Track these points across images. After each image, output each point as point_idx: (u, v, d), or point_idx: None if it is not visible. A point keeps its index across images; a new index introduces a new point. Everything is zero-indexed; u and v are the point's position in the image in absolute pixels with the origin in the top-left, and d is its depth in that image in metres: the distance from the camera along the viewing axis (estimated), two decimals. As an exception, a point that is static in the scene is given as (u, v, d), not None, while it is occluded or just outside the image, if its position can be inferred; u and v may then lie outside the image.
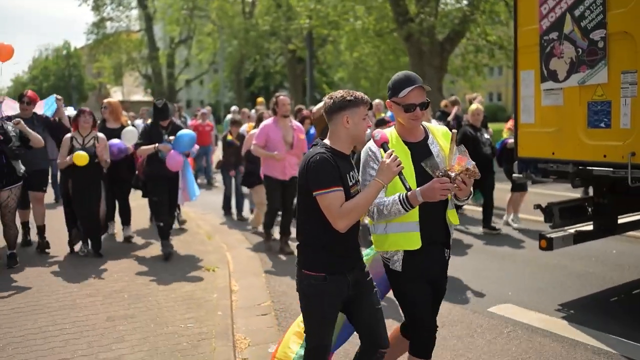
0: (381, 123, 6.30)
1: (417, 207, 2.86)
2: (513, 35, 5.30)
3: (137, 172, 7.26)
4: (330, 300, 2.84)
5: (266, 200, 7.41)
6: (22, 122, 6.18)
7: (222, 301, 5.14)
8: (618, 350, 4.10)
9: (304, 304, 2.90)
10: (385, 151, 2.81)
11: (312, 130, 8.18)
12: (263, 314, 5.01)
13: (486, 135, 8.12)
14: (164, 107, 6.64)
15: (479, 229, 8.18)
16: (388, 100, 3.07)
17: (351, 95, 2.81)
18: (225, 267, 6.35)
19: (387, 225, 2.96)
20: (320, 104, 6.23)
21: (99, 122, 7.29)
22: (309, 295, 2.86)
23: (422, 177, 2.85)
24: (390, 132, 3.06)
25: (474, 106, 8.14)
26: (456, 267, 5.98)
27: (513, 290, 5.54)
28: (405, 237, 2.94)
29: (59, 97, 7.69)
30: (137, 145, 6.79)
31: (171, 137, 6.57)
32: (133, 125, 8.35)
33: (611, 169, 4.44)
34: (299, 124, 7.52)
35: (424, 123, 3.15)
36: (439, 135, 3.11)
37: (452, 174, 2.78)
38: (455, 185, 2.76)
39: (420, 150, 2.97)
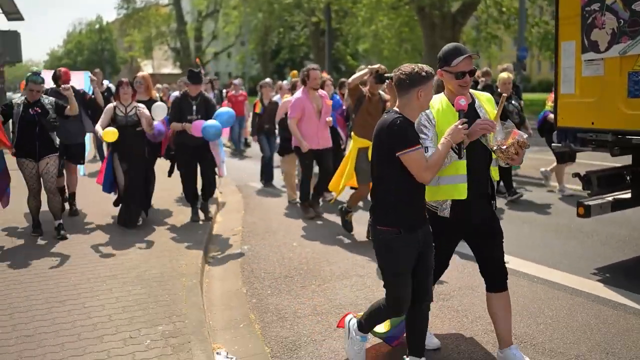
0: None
1: (465, 162, 3.27)
2: (554, 6, 5.38)
3: (168, 143, 7.56)
4: (405, 252, 3.15)
5: (300, 169, 7.91)
6: (70, 88, 6.50)
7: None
8: (653, 311, 4.29)
9: (380, 258, 3.24)
10: (459, 117, 3.17)
11: (337, 97, 8.72)
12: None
13: (514, 103, 8.26)
14: (197, 73, 6.93)
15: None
16: (439, 70, 3.37)
17: (424, 71, 3.10)
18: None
19: (439, 178, 3.32)
20: (357, 75, 6.47)
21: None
22: (384, 249, 3.19)
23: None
24: (440, 99, 3.40)
25: (503, 75, 8.25)
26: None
27: (552, 254, 5.74)
28: (454, 188, 3.33)
29: (93, 77, 8.10)
30: (169, 120, 7.06)
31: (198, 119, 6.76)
32: (165, 99, 8.51)
33: (651, 138, 4.57)
34: (323, 91, 7.83)
35: (473, 91, 3.49)
36: (484, 100, 3.47)
37: (504, 147, 3.16)
38: (509, 156, 3.16)
39: (468, 114, 3.25)
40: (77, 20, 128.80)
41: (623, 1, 4.66)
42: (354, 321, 3.59)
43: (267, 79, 11.95)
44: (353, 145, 6.58)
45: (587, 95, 5.09)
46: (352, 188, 6.87)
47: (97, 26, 70.37)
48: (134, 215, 6.87)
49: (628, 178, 5.50)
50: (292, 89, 8.59)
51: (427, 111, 3.30)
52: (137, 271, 5.22)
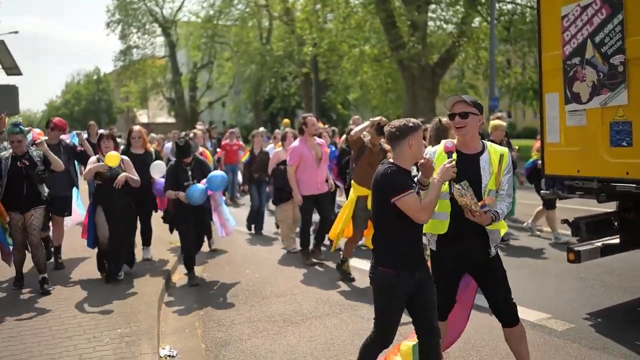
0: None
1: (449, 202, 3.58)
2: (537, 61, 5.65)
3: (166, 206, 7.49)
4: (400, 292, 3.38)
5: (298, 216, 8.13)
6: (44, 143, 6.54)
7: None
8: (645, 355, 4.36)
9: (377, 297, 3.47)
10: (448, 157, 3.51)
11: (332, 148, 8.98)
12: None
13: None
14: (185, 145, 6.83)
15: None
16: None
17: (411, 122, 3.42)
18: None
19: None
20: (358, 128, 6.76)
21: (122, 146, 7.65)
22: (381, 288, 3.42)
23: (461, 178, 3.50)
24: (441, 147, 3.72)
25: (494, 122, 8.47)
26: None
27: (543, 299, 5.81)
28: (437, 223, 3.64)
29: (78, 132, 8.28)
30: (165, 188, 6.92)
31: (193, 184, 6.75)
32: (159, 149, 8.46)
33: (634, 185, 4.74)
34: (320, 139, 8.05)
35: (489, 143, 3.76)
36: (494, 153, 3.67)
37: (473, 207, 3.44)
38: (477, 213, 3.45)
39: (467, 161, 3.59)
40: (75, 71, 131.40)
41: (601, 56, 4.92)
42: None
43: (261, 129, 12.24)
44: (353, 193, 6.82)
45: (572, 144, 5.29)
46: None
47: (94, 77, 71.70)
48: (114, 270, 6.69)
49: (615, 224, 5.64)
50: (282, 139, 8.82)
51: (431, 152, 3.71)
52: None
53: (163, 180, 7.07)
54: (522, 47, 22.95)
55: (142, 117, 57.05)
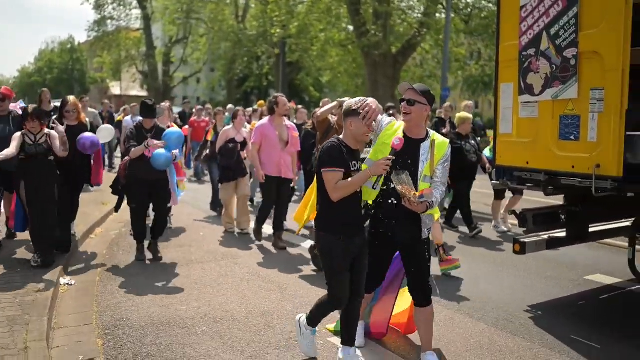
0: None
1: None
2: (495, 50, 5.61)
3: (118, 174, 6.90)
4: (341, 256, 3.66)
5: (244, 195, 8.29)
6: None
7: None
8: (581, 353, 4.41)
9: (322, 260, 3.78)
10: (390, 154, 3.63)
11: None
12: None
13: (472, 142, 8.37)
14: (152, 106, 6.68)
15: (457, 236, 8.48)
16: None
17: (356, 106, 3.64)
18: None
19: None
20: (325, 108, 6.55)
21: (52, 120, 6.95)
22: (323, 252, 3.74)
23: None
24: (401, 123, 3.93)
25: (459, 115, 8.46)
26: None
27: (485, 290, 5.84)
28: (369, 192, 3.81)
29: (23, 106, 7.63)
30: (127, 149, 6.66)
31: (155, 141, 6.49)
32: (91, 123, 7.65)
33: (578, 179, 4.75)
34: (291, 123, 7.89)
35: (433, 132, 3.93)
36: (437, 144, 3.83)
37: (408, 194, 3.57)
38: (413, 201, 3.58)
39: (410, 145, 3.74)
40: (50, 38, 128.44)
41: (555, 48, 4.89)
42: (303, 317, 4.06)
43: (230, 106, 12.00)
44: (318, 176, 6.53)
45: (523, 135, 5.28)
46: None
47: (68, 46, 70.00)
48: (47, 254, 6.08)
49: (562, 217, 5.68)
50: (233, 117, 8.66)
51: (385, 120, 3.92)
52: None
53: (90, 135, 6.69)
54: (477, 41, 23.94)
55: (115, 89, 55.95)
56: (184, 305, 5.29)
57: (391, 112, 9.01)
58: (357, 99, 3.74)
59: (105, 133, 7.02)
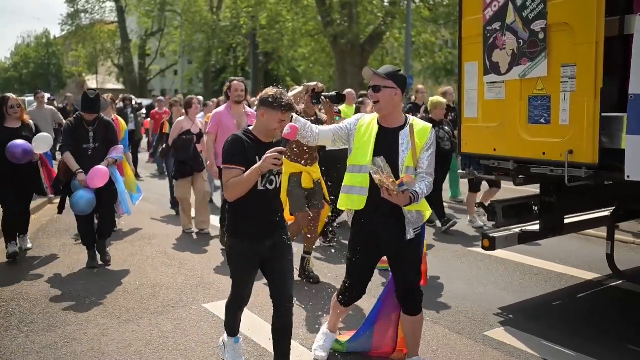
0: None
1: (368, 177, 3.36)
2: (458, 26, 5.07)
3: (58, 173, 6.24)
4: (245, 259, 3.37)
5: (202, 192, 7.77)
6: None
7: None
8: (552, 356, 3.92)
9: (228, 260, 3.47)
10: (283, 145, 3.17)
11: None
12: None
13: (446, 128, 7.79)
14: (95, 99, 5.93)
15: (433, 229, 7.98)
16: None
17: (271, 97, 3.23)
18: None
19: (344, 186, 3.52)
20: (291, 93, 5.76)
21: None
22: (229, 255, 3.44)
23: (379, 153, 3.34)
24: (373, 115, 3.58)
25: (432, 99, 7.87)
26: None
27: (460, 290, 5.35)
28: (352, 198, 3.48)
29: None
30: (62, 148, 5.99)
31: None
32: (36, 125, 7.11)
33: (550, 168, 4.24)
34: (252, 110, 7.24)
35: (413, 118, 3.53)
36: (417, 130, 3.40)
37: (385, 182, 3.15)
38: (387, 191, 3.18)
39: (386, 135, 3.43)
40: (25, 33, 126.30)
41: (522, 21, 4.35)
42: (224, 335, 3.78)
43: (181, 96, 11.34)
44: (285, 170, 5.60)
45: (490, 119, 4.75)
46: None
47: (44, 40, 68.58)
48: None
49: (535, 209, 5.18)
50: (187, 106, 8.01)
51: (352, 121, 3.56)
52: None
53: (22, 142, 6.01)
54: (441, 29, 24.18)
55: (91, 82, 54.95)
56: (83, 280, 5.69)
57: (361, 99, 8.42)
58: (275, 90, 3.29)
59: (42, 143, 6.25)
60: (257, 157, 3.18)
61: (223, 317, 3.70)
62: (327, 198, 5.68)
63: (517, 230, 5.13)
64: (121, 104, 13.17)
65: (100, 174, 5.83)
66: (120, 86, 47.25)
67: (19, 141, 6.02)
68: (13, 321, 4.60)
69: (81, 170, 5.84)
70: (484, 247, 5.01)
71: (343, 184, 3.51)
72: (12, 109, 6.23)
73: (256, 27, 27.69)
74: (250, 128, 3.32)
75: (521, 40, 4.37)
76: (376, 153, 3.31)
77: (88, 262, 6.21)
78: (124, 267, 6.17)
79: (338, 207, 3.56)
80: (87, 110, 5.95)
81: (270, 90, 3.27)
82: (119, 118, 7.70)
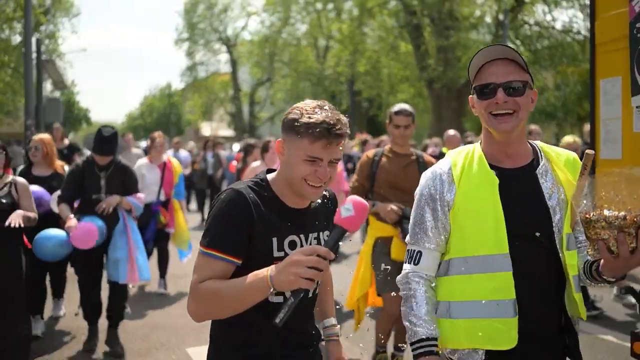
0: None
1: (512, 276, 1.84)
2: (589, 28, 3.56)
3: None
4: None
5: None
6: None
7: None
8: None
9: None
10: (333, 244, 1.67)
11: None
12: None
13: None
14: (110, 138, 4.80)
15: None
16: (470, 97, 2.06)
17: (297, 113, 1.81)
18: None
19: (452, 303, 1.90)
20: (385, 207, 4.24)
21: (21, 166, 5.53)
22: None
23: (518, 226, 1.87)
24: (469, 150, 2.02)
25: (566, 139, 6.97)
26: None
27: None
28: (489, 326, 1.83)
29: None
30: (58, 198, 4.88)
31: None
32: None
33: None
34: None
35: (540, 143, 2.09)
36: (560, 162, 1.99)
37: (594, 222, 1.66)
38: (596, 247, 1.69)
39: (519, 182, 1.93)
40: (153, 85, 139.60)
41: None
42: None
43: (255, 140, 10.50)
44: (370, 233, 4.45)
45: (643, 161, 3.14)
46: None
47: (167, 91, 74.37)
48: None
49: None
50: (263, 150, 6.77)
51: (444, 168, 1.99)
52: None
53: (40, 190, 4.99)
54: (539, 70, 22.44)
55: (206, 129, 57.78)
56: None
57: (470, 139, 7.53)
58: (311, 103, 1.87)
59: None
60: (273, 239, 1.83)
61: None
62: None
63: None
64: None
65: (87, 232, 4.57)
66: (231, 132, 49.56)
67: (34, 187, 4.88)
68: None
69: (72, 217, 4.69)
70: (633, 354, 3.30)
71: (454, 300, 1.93)
72: (32, 151, 5.30)
73: (354, 74, 27.89)
74: (270, 177, 1.93)
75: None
76: (513, 221, 1.88)
77: (86, 343, 5.01)
78: (140, 302, 6.01)
79: (452, 346, 1.94)
80: (98, 152, 4.86)
81: (302, 105, 1.86)
82: (173, 160, 6.83)
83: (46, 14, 23.79)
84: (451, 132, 8.69)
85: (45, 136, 5.55)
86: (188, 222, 7.33)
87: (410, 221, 2.05)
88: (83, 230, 4.58)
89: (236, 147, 20.66)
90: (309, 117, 1.76)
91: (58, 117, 17.72)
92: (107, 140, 4.81)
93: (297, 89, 37.93)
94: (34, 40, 16.61)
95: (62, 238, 4.62)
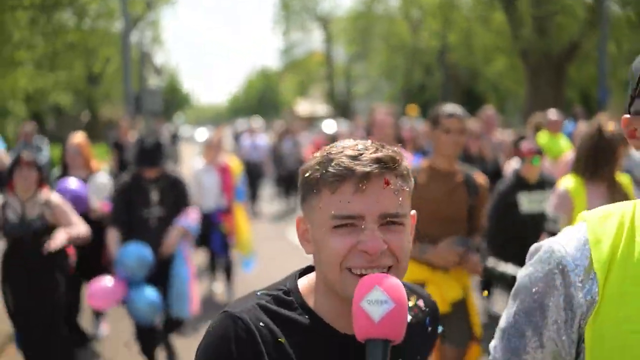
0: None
1: None
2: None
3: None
4: None
5: None
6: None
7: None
8: None
9: None
10: None
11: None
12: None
13: None
14: (154, 148, 4.23)
15: None
16: (624, 117, 1.15)
17: (327, 158, 1.10)
18: None
19: None
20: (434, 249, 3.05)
21: (55, 175, 5.17)
22: None
23: None
24: (624, 212, 1.09)
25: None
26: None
27: None
28: None
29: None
30: (112, 222, 4.31)
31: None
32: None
33: None
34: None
35: None
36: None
37: None
38: None
39: None
40: (252, 68, 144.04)
41: None
42: None
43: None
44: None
45: None
46: None
47: (265, 74, 76.68)
48: None
49: None
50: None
51: (570, 250, 1.06)
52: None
53: (74, 186, 4.58)
54: None
55: (302, 106, 58.33)
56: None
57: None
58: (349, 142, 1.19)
59: (96, 189, 4.86)
60: None
61: None
62: (477, 331, 3.28)
63: None
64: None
65: (102, 290, 3.97)
66: (328, 111, 50.13)
67: (72, 183, 4.57)
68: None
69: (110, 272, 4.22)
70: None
71: None
72: (71, 156, 4.95)
73: (445, 44, 26.95)
74: (302, 285, 1.19)
75: None
76: None
77: None
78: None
79: None
80: (142, 164, 4.27)
81: (342, 143, 1.15)
82: (232, 161, 6.61)
83: (149, 7, 24.94)
84: (553, 114, 6.95)
85: (82, 140, 5.08)
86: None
87: (496, 339, 1.19)
88: (98, 288, 3.99)
89: (327, 124, 20.16)
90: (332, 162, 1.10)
91: (157, 106, 18.85)
92: (150, 152, 4.26)
93: (392, 63, 37.55)
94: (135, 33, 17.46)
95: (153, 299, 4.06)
